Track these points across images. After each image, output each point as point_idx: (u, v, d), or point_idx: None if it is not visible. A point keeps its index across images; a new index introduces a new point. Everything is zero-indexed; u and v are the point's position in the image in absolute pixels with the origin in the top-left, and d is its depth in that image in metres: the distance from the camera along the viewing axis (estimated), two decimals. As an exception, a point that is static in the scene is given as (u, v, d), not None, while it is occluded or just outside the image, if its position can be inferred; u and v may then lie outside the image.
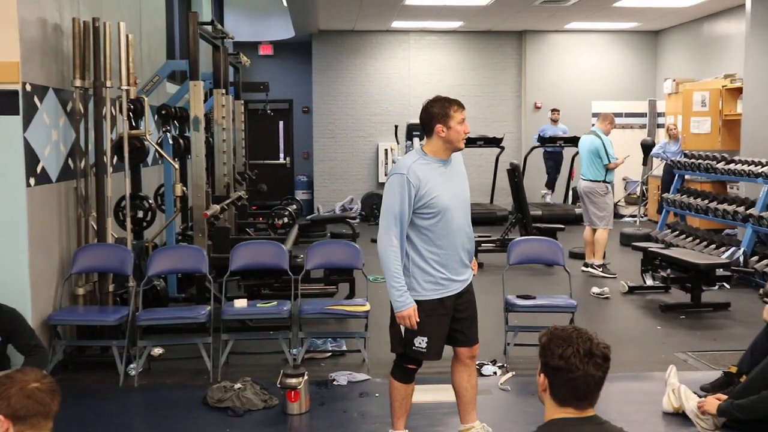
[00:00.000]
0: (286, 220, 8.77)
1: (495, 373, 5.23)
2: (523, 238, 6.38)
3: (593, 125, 9.66)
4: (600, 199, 8.67)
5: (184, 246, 6.71)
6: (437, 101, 3.73)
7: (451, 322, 3.84)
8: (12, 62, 4.87)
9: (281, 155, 15.98)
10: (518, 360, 5.40)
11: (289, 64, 15.59)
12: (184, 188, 6.78)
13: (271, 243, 5.97)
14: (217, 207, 6.61)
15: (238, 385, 4.71)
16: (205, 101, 8.85)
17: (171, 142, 7.06)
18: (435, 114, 3.68)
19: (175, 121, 7.71)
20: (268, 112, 12.72)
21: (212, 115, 8.22)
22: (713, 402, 4.18)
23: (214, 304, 5.49)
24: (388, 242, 3.62)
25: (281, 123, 15.93)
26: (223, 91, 8.15)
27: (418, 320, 3.66)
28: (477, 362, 5.35)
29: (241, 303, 5.41)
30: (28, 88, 5.00)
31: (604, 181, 8.69)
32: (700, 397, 4.41)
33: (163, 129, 7.34)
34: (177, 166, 6.63)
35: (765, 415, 3.91)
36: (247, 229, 9.23)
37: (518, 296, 5.58)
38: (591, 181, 8.71)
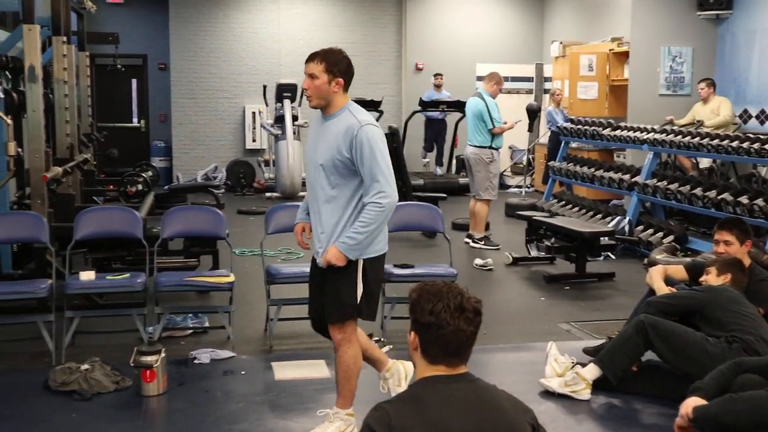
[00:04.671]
0: (140, 187, 8.58)
1: (371, 347, 5.33)
2: (401, 203, 6.48)
3: (477, 88, 9.86)
4: (486, 167, 8.87)
5: (18, 213, 6.45)
6: None
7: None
8: None
9: (135, 118, 15.55)
10: (396, 333, 5.51)
11: (142, 14, 15.10)
12: (19, 149, 6.51)
13: (122, 209, 5.87)
14: (58, 170, 6.40)
15: (85, 366, 4.60)
16: (43, 51, 8.49)
17: (2, 95, 6.76)
18: None
19: (7, 72, 7.38)
20: (119, 67, 12.34)
21: (52, 67, 7.90)
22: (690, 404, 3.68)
23: (56, 279, 5.33)
24: None
25: (134, 81, 15.47)
26: (65, 39, 7.84)
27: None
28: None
29: (88, 275, 5.27)
30: None
31: (491, 147, 8.86)
32: (583, 365, 4.65)
33: (-8, 81, 7.04)
34: (10, 122, 6.36)
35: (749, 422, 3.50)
36: (96, 198, 8.96)
37: (395, 265, 5.68)
38: (477, 147, 8.86)
